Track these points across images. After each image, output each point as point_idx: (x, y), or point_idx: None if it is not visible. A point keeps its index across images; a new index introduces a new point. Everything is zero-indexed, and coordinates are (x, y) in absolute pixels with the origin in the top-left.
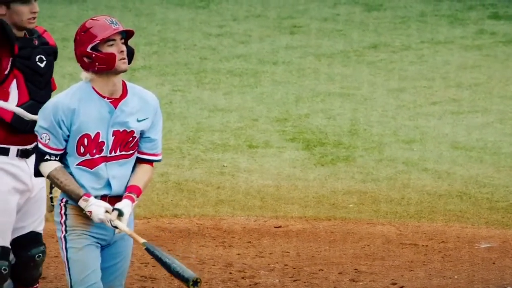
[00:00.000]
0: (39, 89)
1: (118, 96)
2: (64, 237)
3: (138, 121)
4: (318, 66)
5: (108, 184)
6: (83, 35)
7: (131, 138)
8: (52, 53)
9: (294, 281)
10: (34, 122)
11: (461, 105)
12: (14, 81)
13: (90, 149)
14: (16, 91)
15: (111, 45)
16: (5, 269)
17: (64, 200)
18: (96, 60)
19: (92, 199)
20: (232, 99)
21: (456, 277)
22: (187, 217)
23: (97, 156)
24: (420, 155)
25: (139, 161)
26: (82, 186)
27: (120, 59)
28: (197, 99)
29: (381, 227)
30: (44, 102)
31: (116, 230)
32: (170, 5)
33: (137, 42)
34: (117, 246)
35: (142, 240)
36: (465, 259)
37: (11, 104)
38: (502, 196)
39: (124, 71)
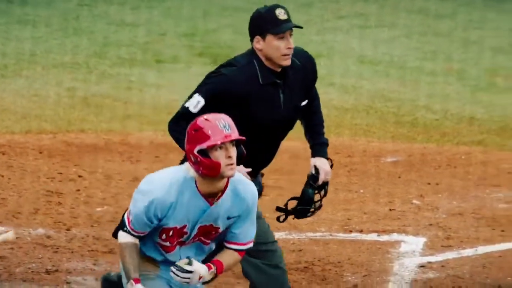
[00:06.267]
0: None
1: (217, 192)
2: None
3: (228, 218)
4: None
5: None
6: (194, 134)
7: (214, 231)
8: None
9: None
10: None
11: (368, 20)
12: None
13: (172, 239)
14: None
15: (220, 149)
16: None
17: None
18: (201, 165)
19: (138, 286)
20: (139, 13)
21: (362, 191)
22: (94, 132)
23: (175, 243)
24: (327, 69)
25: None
26: (152, 256)
27: (227, 165)
28: (104, 14)
29: (287, 141)
30: None
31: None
32: None
33: None
34: None
35: None
36: (371, 173)
37: None
38: (408, 110)
39: (230, 177)
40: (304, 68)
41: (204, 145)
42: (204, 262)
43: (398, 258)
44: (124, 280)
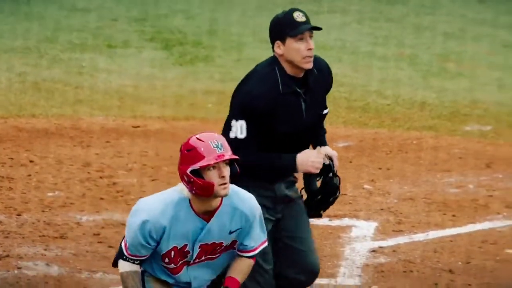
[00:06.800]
0: None
1: (213, 210)
2: None
3: (230, 232)
4: None
5: (189, 282)
6: (186, 154)
7: (218, 247)
8: None
9: (152, 180)
10: None
11: (320, 5)
12: None
13: (175, 260)
14: None
15: (213, 169)
16: None
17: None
18: (194, 185)
19: None
20: None
21: None
22: (45, 117)
23: (180, 263)
24: None
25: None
26: (164, 279)
27: (220, 185)
28: None
29: None
30: None
31: None
32: None
33: None
34: None
35: None
36: None
37: None
38: (359, 95)
39: (224, 196)
40: (323, 76)
41: (197, 166)
42: (217, 282)
43: (349, 242)
44: None
